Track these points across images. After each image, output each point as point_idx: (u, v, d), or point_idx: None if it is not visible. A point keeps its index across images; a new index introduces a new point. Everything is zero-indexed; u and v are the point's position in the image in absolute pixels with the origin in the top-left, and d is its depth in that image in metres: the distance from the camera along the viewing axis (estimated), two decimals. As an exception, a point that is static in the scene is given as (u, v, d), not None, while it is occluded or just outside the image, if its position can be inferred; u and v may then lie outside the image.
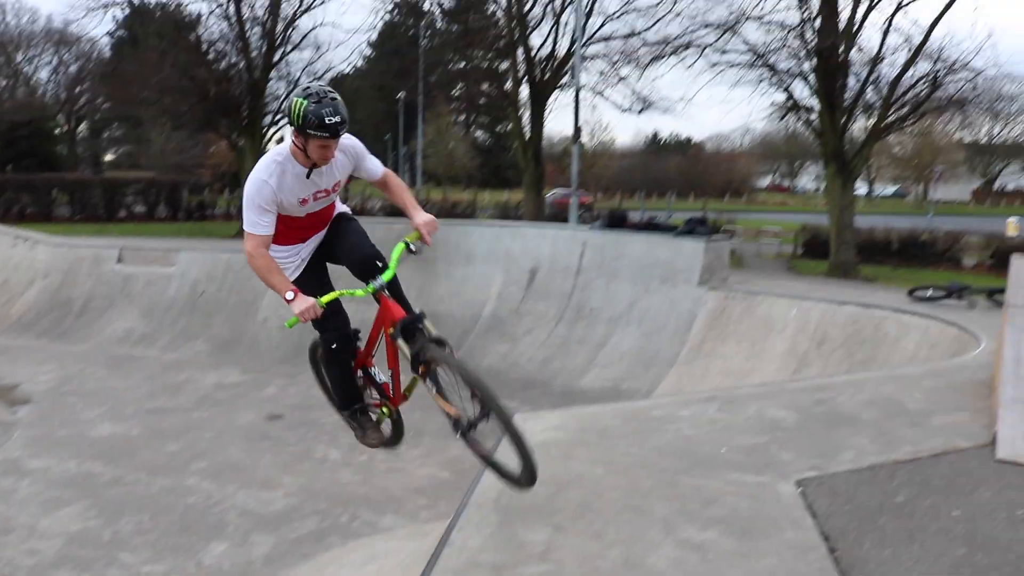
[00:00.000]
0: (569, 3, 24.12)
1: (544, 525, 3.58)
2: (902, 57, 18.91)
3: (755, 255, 23.14)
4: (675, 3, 22.77)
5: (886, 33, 18.77)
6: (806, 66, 19.64)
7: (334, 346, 4.23)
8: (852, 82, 19.77)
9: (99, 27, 51.52)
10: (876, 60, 19.19)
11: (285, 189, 3.91)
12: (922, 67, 18.76)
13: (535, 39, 25.39)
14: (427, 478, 8.42)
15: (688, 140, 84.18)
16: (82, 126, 60.50)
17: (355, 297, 4.01)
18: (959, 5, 29.06)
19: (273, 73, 25.99)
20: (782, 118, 25.27)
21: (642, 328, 12.12)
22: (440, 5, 31.49)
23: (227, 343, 14.17)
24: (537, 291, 13.60)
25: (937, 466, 4.32)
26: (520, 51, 25.24)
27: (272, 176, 3.87)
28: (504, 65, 27.53)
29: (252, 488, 8.19)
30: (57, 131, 54.83)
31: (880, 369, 8.70)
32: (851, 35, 18.91)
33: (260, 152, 25.31)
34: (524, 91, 25.98)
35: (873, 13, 18.87)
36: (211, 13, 25.84)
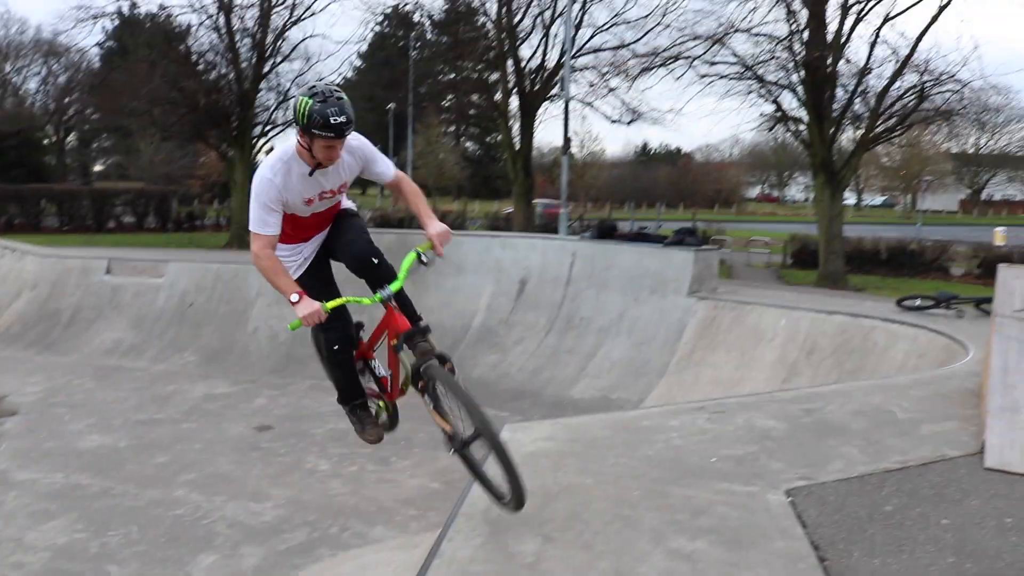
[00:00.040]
0: (558, 15, 24.30)
1: (534, 536, 3.58)
2: (889, 69, 19.20)
3: (744, 265, 23.24)
4: (664, 15, 23.06)
5: (873, 45, 19.04)
6: (794, 78, 19.86)
7: (336, 347, 4.23)
8: (840, 94, 20.00)
9: (88, 38, 52.02)
10: (864, 72, 19.42)
11: (290, 188, 3.88)
12: (909, 79, 19.04)
13: (525, 51, 25.60)
14: (417, 489, 8.40)
15: (677, 151, 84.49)
16: (71, 136, 60.36)
17: (361, 305, 3.97)
18: (945, 18, 29.36)
19: (263, 84, 25.99)
20: (771, 129, 25.54)
21: (632, 338, 12.13)
22: (430, 17, 31.63)
23: (216, 354, 14.11)
24: (527, 301, 13.60)
25: (926, 475, 4.34)
26: (510, 62, 25.37)
27: (277, 175, 3.84)
28: (494, 76, 27.64)
29: (241, 499, 8.14)
30: (46, 141, 54.60)
31: (869, 378, 8.70)
32: (839, 47, 19.12)
33: (250, 163, 25.31)
34: (514, 102, 26.13)
35: (861, 25, 19.17)
36: (201, 24, 25.84)
